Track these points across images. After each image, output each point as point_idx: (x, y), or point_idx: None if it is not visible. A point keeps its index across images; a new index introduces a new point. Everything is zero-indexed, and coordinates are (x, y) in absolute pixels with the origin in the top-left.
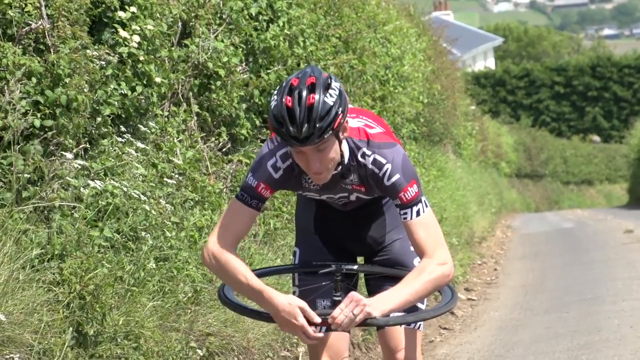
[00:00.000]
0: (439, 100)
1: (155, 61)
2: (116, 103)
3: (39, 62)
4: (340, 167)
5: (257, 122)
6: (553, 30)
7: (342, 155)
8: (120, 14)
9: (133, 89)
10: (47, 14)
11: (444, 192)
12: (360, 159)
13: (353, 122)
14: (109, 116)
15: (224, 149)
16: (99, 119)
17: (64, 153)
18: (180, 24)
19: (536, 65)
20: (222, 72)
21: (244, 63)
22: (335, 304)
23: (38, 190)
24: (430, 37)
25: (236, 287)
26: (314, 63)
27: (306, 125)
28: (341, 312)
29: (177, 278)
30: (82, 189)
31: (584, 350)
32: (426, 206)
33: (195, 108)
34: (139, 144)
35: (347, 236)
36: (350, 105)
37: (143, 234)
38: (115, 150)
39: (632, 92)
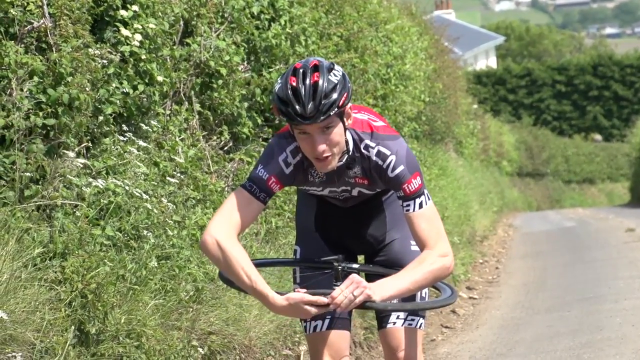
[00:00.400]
0: (441, 99)
1: (157, 60)
2: (118, 102)
3: (41, 60)
4: (346, 157)
5: (259, 121)
6: (554, 28)
7: (347, 144)
8: (122, 12)
9: (135, 88)
10: (49, 13)
11: (445, 191)
12: (363, 150)
13: (357, 116)
14: (111, 115)
15: (225, 148)
16: (101, 118)
17: (66, 152)
18: (182, 22)
19: (537, 64)
20: (223, 71)
21: (246, 62)
22: None
23: (40, 189)
24: (432, 36)
25: (237, 280)
26: None
27: (311, 102)
28: (341, 293)
29: (178, 277)
30: (84, 187)
31: (586, 349)
32: (428, 199)
33: (197, 107)
34: (141, 143)
35: (348, 234)
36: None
37: (145, 232)
38: (117, 149)
39: (633, 92)
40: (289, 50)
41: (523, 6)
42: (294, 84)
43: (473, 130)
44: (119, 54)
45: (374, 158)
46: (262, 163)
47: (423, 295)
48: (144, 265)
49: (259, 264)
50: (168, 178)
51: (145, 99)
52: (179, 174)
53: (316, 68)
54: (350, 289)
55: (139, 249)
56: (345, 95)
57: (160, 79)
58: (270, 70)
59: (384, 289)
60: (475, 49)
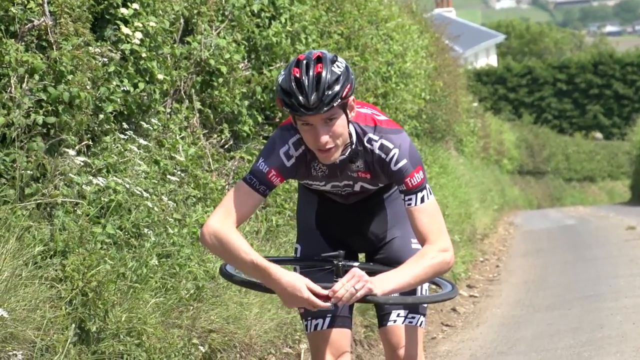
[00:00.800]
0: (441, 97)
1: (157, 58)
2: (119, 100)
3: (41, 59)
4: (349, 150)
5: (260, 119)
6: (555, 27)
7: (350, 137)
8: (123, 10)
9: (135, 86)
10: (49, 11)
11: (446, 189)
12: (367, 144)
13: (361, 110)
14: (111, 113)
15: (226, 146)
16: (101, 116)
17: (67, 150)
18: (182, 20)
19: (538, 63)
20: (224, 69)
21: (246, 60)
22: None
23: (41, 187)
24: (433, 34)
25: (239, 265)
26: None
27: (315, 93)
28: (342, 286)
29: (179, 275)
30: (84, 185)
31: (586, 347)
32: (430, 193)
33: (198, 105)
34: (142, 141)
35: (349, 231)
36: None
37: (145, 230)
38: (117, 147)
39: (634, 90)
40: (289, 49)
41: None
42: (297, 75)
43: (474, 129)
44: (120, 52)
45: (377, 151)
46: (263, 156)
47: (423, 291)
48: (145, 264)
49: None
50: (168, 176)
51: (145, 97)
52: (179, 172)
53: (319, 60)
54: (352, 282)
55: (140, 247)
56: (348, 86)
57: (160, 77)
58: (271, 68)
59: (385, 282)
60: (476, 47)
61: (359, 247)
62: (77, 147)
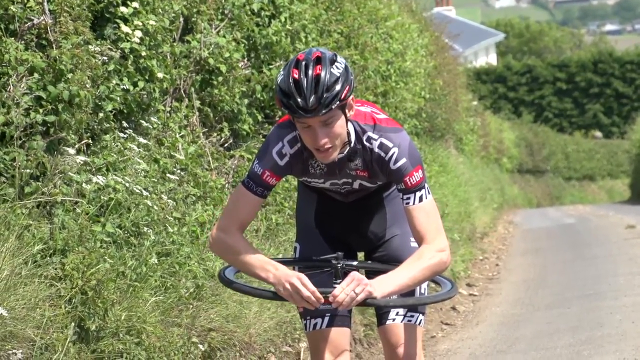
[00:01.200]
0: (441, 96)
1: (157, 57)
2: (118, 98)
3: (41, 57)
4: (347, 149)
5: (259, 118)
6: (554, 25)
7: (349, 136)
8: (123, 9)
9: (135, 85)
10: (49, 10)
11: (445, 188)
12: (366, 142)
13: (360, 108)
14: (111, 112)
15: (225, 145)
16: (101, 115)
17: (66, 148)
18: (182, 19)
19: (538, 61)
20: (223, 68)
21: (246, 59)
22: None
23: (40, 186)
24: (432, 33)
25: (246, 268)
26: None
27: (313, 96)
28: (342, 291)
29: (179, 273)
30: (84, 184)
31: (586, 346)
32: (429, 193)
33: (197, 104)
34: (141, 140)
35: (348, 230)
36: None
37: (145, 229)
38: (117, 145)
39: (633, 88)
40: (289, 47)
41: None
42: (296, 76)
43: (473, 127)
44: (119, 50)
45: (376, 150)
46: (258, 157)
47: (422, 291)
48: (144, 262)
49: None
50: (168, 175)
51: (145, 96)
52: (179, 171)
53: (318, 60)
54: (352, 286)
55: (139, 246)
56: (347, 88)
57: (160, 75)
58: (271, 67)
59: (384, 285)
60: (476, 46)
61: (359, 246)
62: (76, 146)
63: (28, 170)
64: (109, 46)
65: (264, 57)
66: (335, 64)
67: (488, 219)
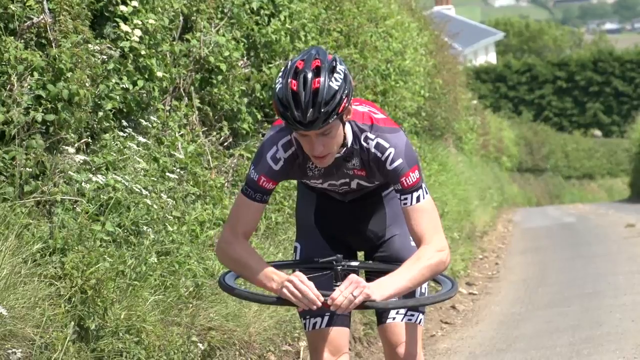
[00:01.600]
0: (441, 95)
1: (156, 55)
2: (118, 97)
3: (40, 56)
4: (344, 149)
5: (259, 117)
6: (554, 24)
7: (345, 138)
8: (122, 8)
9: (135, 84)
10: (48, 9)
11: (445, 187)
12: (363, 142)
13: (358, 108)
14: (110, 110)
15: (225, 143)
16: (100, 114)
17: (66, 147)
18: (181, 18)
19: (537, 60)
20: (223, 67)
21: (246, 57)
22: None
23: (40, 185)
24: (432, 32)
25: (252, 278)
26: None
27: (311, 109)
28: (340, 294)
29: (178, 272)
30: (84, 183)
31: (586, 345)
32: (426, 193)
33: (197, 102)
34: (141, 139)
35: (348, 230)
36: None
37: (145, 228)
38: (117, 144)
39: (633, 87)
40: (288, 46)
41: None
42: (295, 88)
43: (473, 126)
44: (119, 49)
45: (373, 150)
46: (254, 163)
47: (422, 290)
48: (144, 261)
49: None
50: (168, 174)
51: (144, 95)
52: (178, 170)
53: (318, 71)
54: (350, 289)
55: (139, 245)
56: (345, 100)
57: (159, 74)
58: (270, 65)
59: (383, 287)
60: (475, 45)
61: (358, 246)
62: (76, 145)
63: (28, 169)
64: (109, 45)
65: (264, 56)
66: (335, 74)
67: (488, 217)
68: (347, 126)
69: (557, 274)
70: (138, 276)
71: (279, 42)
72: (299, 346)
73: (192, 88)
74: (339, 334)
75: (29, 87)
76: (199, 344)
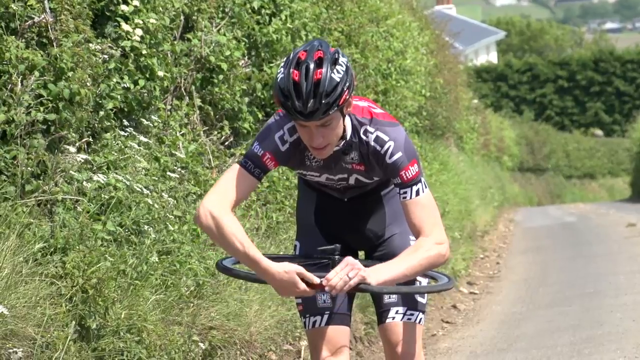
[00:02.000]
0: (442, 94)
1: (157, 55)
2: (119, 97)
3: (41, 56)
4: (343, 142)
5: (260, 116)
6: (555, 23)
7: (344, 130)
8: (123, 7)
9: (136, 83)
10: (49, 8)
11: (446, 186)
12: (362, 136)
13: (358, 103)
14: (111, 110)
15: (226, 143)
16: (101, 113)
17: (67, 147)
18: (182, 17)
19: (539, 59)
20: (224, 66)
21: (247, 57)
22: None
23: (41, 184)
24: (433, 31)
25: (231, 252)
26: None
27: (312, 100)
28: (336, 275)
29: (179, 272)
30: (85, 182)
31: (586, 344)
32: (425, 187)
33: (198, 102)
34: (142, 138)
35: (348, 228)
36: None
37: (146, 227)
38: (118, 144)
39: (634, 87)
40: (289, 46)
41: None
42: (297, 78)
43: (474, 126)
44: (120, 49)
45: (372, 143)
46: (258, 140)
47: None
48: (145, 260)
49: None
50: (169, 173)
51: (146, 94)
52: (179, 169)
53: (320, 62)
54: (345, 270)
55: (140, 244)
56: (347, 92)
57: (161, 74)
58: (271, 65)
59: (380, 273)
60: (476, 44)
61: (358, 245)
62: (77, 144)
63: (29, 169)
64: (110, 44)
65: (265, 56)
66: (337, 65)
67: (489, 217)
68: (347, 119)
69: (558, 273)
70: (139, 275)
71: (280, 41)
72: (300, 345)
73: (193, 87)
74: (338, 333)
75: (30, 86)
76: (200, 343)
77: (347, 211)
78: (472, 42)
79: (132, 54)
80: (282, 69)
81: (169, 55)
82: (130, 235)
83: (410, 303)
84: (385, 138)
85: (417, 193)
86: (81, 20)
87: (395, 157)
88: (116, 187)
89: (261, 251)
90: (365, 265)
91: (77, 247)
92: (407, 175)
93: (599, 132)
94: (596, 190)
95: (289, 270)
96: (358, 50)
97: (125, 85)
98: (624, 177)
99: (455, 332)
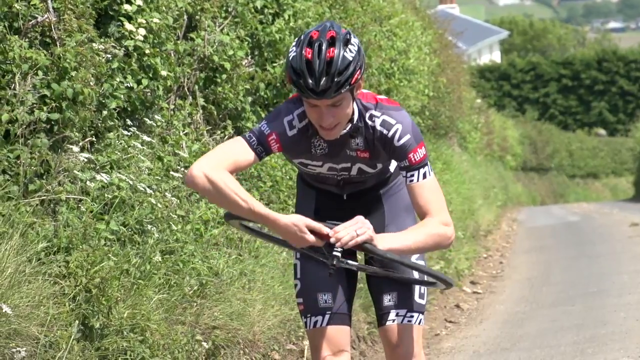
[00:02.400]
0: (445, 94)
1: (161, 54)
2: (122, 96)
3: (45, 55)
4: (350, 126)
5: (263, 116)
6: (558, 22)
7: (352, 113)
8: (126, 7)
9: (139, 82)
10: (53, 7)
11: (449, 186)
12: (368, 120)
13: (362, 90)
14: (115, 109)
15: None
16: (105, 112)
17: (71, 146)
18: (186, 17)
19: (542, 59)
20: (227, 66)
21: (250, 56)
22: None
23: (44, 184)
24: (436, 31)
25: (235, 209)
26: None
27: (324, 78)
28: (344, 229)
29: (182, 271)
30: (88, 182)
31: (590, 344)
32: (431, 170)
33: (201, 101)
34: (145, 137)
35: None
36: None
37: (149, 227)
38: (121, 143)
39: (638, 87)
40: (290, 45)
41: (527, 0)
42: (309, 56)
43: (477, 125)
44: (123, 48)
45: (379, 127)
46: (267, 120)
47: (422, 291)
48: (148, 260)
49: (256, 232)
50: (172, 172)
51: (149, 94)
52: (182, 169)
53: (333, 41)
54: (355, 227)
55: (143, 244)
56: (358, 72)
57: (164, 73)
58: (274, 65)
59: (386, 240)
60: (479, 44)
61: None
62: (80, 144)
63: (32, 168)
64: (113, 44)
65: (268, 55)
66: (349, 45)
67: (492, 216)
68: (354, 103)
69: (562, 273)
70: (142, 275)
71: (283, 41)
72: (303, 345)
73: (197, 87)
74: (339, 333)
75: (33, 86)
76: (203, 343)
77: (346, 209)
78: (475, 41)
79: (135, 54)
80: (294, 48)
81: (172, 54)
82: (133, 235)
83: (409, 305)
84: (392, 122)
85: (424, 176)
86: (84, 20)
87: (403, 140)
88: (119, 186)
89: (265, 251)
90: (369, 277)
91: (81, 247)
92: (415, 157)
93: (602, 131)
94: (599, 189)
95: (297, 221)
96: None
97: (128, 84)
98: (627, 176)
99: (458, 331)
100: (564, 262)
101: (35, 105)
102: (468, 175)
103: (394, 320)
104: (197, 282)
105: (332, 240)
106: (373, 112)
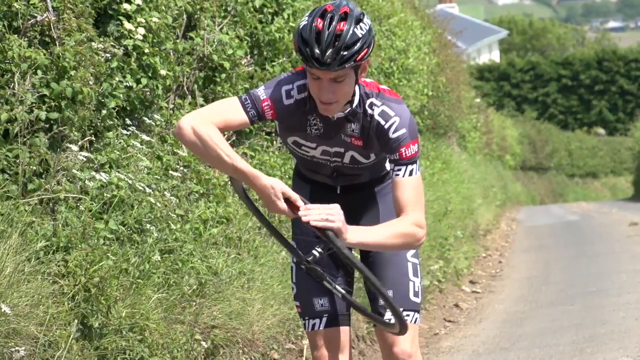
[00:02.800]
0: (444, 93)
1: (160, 54)
2: (121, 95)
3: (44, 54)
4: (348, 109)
5: None
6: (557, 22)
7: (353, 95)
8: (126, 6)
9: (138, 82)
10: (52, 7)
11: (448, 185)
12: (367, 108)
13: (365, 79)
14: (114, 109)
15: (228, 142)
16: (104, 112)
17: (70, 145)
18: (185, 16)
19: (541, 58)
20: (227, 65)
21: (249, 56)
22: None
23: (43, 183)
24: (435, 30)
25: (218, 164)
26: None
27: (331, 50)
28: (317, 209)
29: (182, 270)
30: (87, 181)
31: (589, 343)
32: (419, 170)
33: (200, 100)
34: (144, 137)
35: None
36: None
37: (148, 226)
38: (120, 142)
39: (637, 86)
40: (292, 45)
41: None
42: (320, 26)
43: (476, 124)
44: (122, 47)
45: (377, 117)
46: (265, 86)
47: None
48: (147, 259)
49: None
50: (171, 172)
51: (148, 93)
52: (182, 168)
53: (345, 16)
54: (329, 212)
55: (142, 243)
56: (365, 50)
57: (163, 72)
58: (274, 64)
59: (356, 232)
60: (479, 43)
61: None
62: (79, 143)
63: (31, 167)
64: (112, 43)
65: (267, 54)
66: (361, 24)
67: (491, 216)
68: (356, 87)
69: (561, 272)
70: (141, 274)
71: (283, 40)
72: (303, 344)
73: (196, 86)
74: (338, 334)
75: (32, 85)
76: (202, 342)
77: (340, 205)
78: (474, 41)
79: (134, 53)
80: (306, 18)
81: (172, 53)
82: (132, 234)
83: (404, 303)
84: (391, 113)
85: (411, 173)
86: (84, 19)
87: (398, 133)
88: (118, 185)
89: (264, 250)
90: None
91: (80, 246)
92: (407, 153)
93: (601, 130)
94: (599, 189)
95: (276, 186)
96: None
97: (127, 84)
98: (626, 176)
99: (457, 330)
100: (563, 262)
101: (34, 104)
102: (467, 175)
103: (390, 320)
104: (196, 281)
105: (301, 213)
106: (374, 100)
